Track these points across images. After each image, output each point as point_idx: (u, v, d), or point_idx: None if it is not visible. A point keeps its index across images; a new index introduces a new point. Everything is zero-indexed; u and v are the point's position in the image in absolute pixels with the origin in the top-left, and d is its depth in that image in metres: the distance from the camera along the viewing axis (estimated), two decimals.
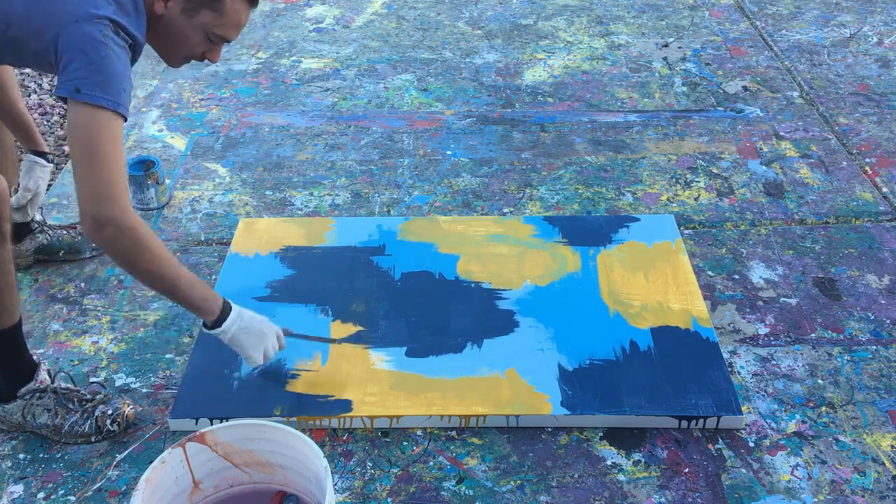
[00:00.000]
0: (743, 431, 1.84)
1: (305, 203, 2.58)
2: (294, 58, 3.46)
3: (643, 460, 1.78)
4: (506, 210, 2.54)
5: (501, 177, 2.70)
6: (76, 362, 2.03)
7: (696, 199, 2.59)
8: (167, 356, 2.04)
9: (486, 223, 2.43)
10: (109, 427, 1.82)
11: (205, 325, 1.75)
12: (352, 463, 1.78)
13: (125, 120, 1.57)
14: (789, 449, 1.80)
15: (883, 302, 2.19)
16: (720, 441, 1.82)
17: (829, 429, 1.85)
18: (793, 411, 1.89)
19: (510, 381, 1.91)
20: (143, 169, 2.49)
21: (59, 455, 1.80)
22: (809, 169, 2.71)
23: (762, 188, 2.63)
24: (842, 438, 1.83)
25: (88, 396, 1.84)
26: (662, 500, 1.70)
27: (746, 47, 3.49)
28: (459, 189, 2.64)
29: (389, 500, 1.70)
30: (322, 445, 1.79)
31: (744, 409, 1.87)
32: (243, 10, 1.67)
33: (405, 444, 1.82)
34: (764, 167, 2.73)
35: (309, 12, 3.88)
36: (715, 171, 2.72)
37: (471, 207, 2.56)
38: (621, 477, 1.74)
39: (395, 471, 1.76)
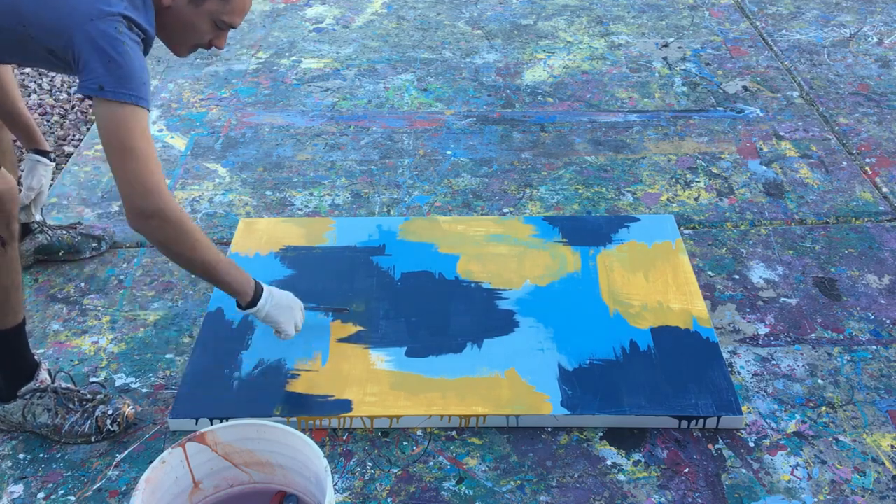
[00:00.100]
0: (743, 431, 1.84)
1: (305, 203, 2.58)
2: (294, 58, 3.46)
3: (643, 460, 1.78)
4: (506, 210, 2.54)
5: (501, 177, 2.70)
6: (76, 362, 2.03)
7: (696, 199, 2.59)
8: (167, 356, 2.04)
9: (486, 223, 2.43)
10: (109, 427, 1.82)
11: (239, 305, 1.81)
12: (352, 463, 1.78)
13: (148, 111, 1.61)
14: (789, 449, 1.80)
15: (883, 302, 2.19)
16: (720, 441, 1.82)
17: (829, 429, 1.85)
18: (793, 411, 1.89)
19: (510, 381, 1.91)
20: None
21: (59, 455, 1.80)
22: (809, 169, 2.72)
23: (762, 188, 2.63)
24: (842, 438, 1.83)
25: (89, 396, 1.85)
26: (662, 500, 1.70)
27: (746, 47, 3.49)
28: (459, 189, 2.64)
29: (389, 500, 1.70)
30: (322, 445, 1.79)
31: (744, 409, 1.87)
32: None
33: (405, 444, 1.82)
34: (764, 167, 2.73)
35: (309, 12, 3.88)
36: (715, 171, 2.72)
37: (471, 207, 2.56)
38: (621, 477, 1.74)
39: (395, 471, 1.76)
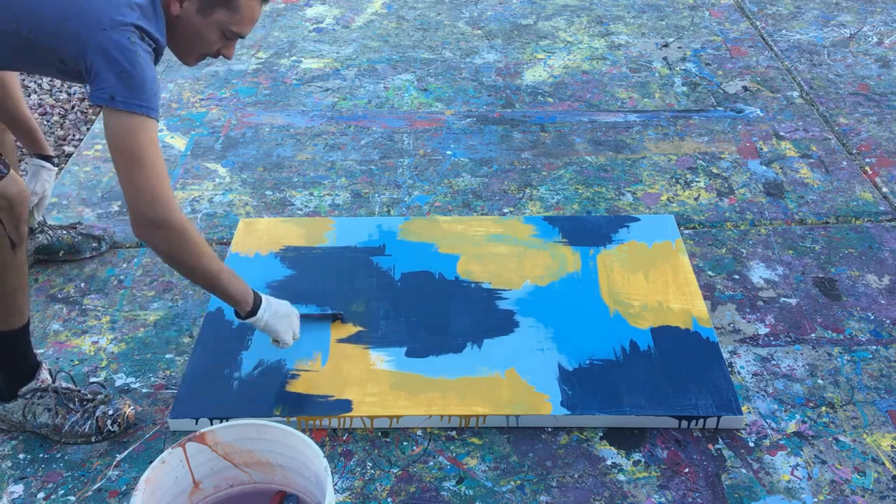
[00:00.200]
0: (743, 431, 1.84)
1: (305, 203, 2.58)
2: (294, 58, 3.46)
3: (643, 460, 1.78)
4: (506, 210, 2.54)
5: (501, 177, 2.70)
6: (76, 362, 2.03)
7: (696, 199, 2.59)
8: (167, 356, 2.04)
9: (486, 223, 2.43)
10: (110, 427, 1.82)
11: (238, 314, 1.81)
12: (352, 463, 1.78)
13: (157, 122, 1.62)
14: (789, 449, 1.80)
15: (883, 302, 2.19)
16: (720, 441, 1.82)
17: (829, 429, 1.85)
18: (793, 411, 1.89)
19: (510, 381, 1.91)
20: None
21: (59, 455, 1.80)
22: (809, 169, 2.72)
23: (762, 188, 2.63)
24: (842, 438, 1.83)
25: (89, 396, 1.85)
26: (662, 500, 1.70)
27: (746, 47, 3.49)
28: (459, 189, 2.64)
29: (389, 500, 1.70)
30: (322, 445, 1.79)
31: (744, 409, 1.87)
32: (256, 6, 1.71)
33: (405, 444, 1.82)
34: (764, 167, 2.73)
35: (309, 12, 3.88)
36: (715, 171, 2.72)
37: (471, 207, 2.56)
38: (621, 477, 1.74)
39: (395, 471, 1.76)
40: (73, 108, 3.30)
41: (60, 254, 2.32)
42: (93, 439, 1.82)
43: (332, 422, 1.84)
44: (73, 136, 3.11)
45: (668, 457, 1.78)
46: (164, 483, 1.47)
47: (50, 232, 2.31)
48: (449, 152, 2.83)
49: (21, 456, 1.80)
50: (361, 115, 3.06)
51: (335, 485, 1.73)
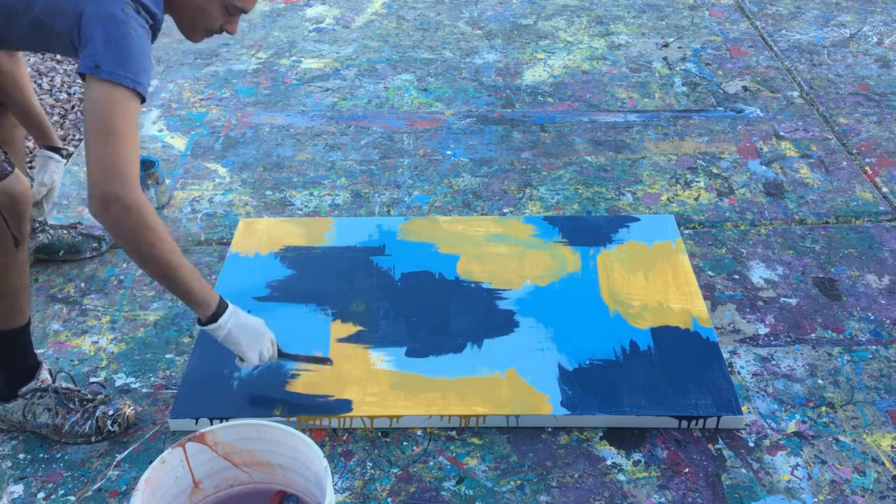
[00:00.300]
0: (743, 431, 1.84)
1: (305, 203, 2.58)
2: (294, 58, 3.46)
3: (643, 460, 1.78)
4: (506, 210, 2.54)
5: (501, 177, 2.70)
6: (76, 362, 2.03)
7: (696, 199, 2.59)
8: (167, 356, 2.04)
9: (486, 223, 2.43)
10: (110, 428, 1.82)
11: (199, 320, 1.72)
12: (352, 463, 1.78)
13: (143, 101, 1.57)
14: (789, 449, 1.80)
15: (883, 302, 2.19)
16: (720, 441, 1.82)
17: (829, 429, 1.85)
18: (793, 411, 1.89)
19: (510, 381, 1.91)
20: (144, 169, 2.49)
21: (59, 455, 1.80)
22: (809, 169, 2.72)
23: (762, 188, 2.63)
24: (842, 438, 1.83)
25: (89, 396, 1.84)
26: (662, 500, 1.70)
27: (746, 47, 3.49)
28: (459, 189, 2.64)
29: (389, 500, 1.70)
30: (322, 445, 1.79)
31: (744, 409, 1.87)
32: None
33: (405, 444, 1.82)
34: (764, 167, 2.73)
35: (309, 12, 3.88)
36: (715, 171, 2.72)
37: (471, 207, 2.56)
38: (621, 477, 1.74)
39: (395, 471, 1.76)
40: (73, 108, 3.30)
41: (60, 254, 2.32)
42: (93, 439, 1.81)
43: (332, 422, 1.84)
44: (73, 136, 3.11)
45: (668, 457, 1.78)
46: (164, 483, 1.47)
47: (50, 231, 2.31)
48: (449, 152, 2.83)
49: (21, 456, 1.80)
50: (361, 115, 3.06)
51: (335, 485, 1.73)
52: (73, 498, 1.71)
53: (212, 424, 1.72)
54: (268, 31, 3.70)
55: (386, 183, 2.67)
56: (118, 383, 1.97)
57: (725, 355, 2.02)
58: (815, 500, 1.70)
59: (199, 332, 2.05)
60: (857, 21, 3.70)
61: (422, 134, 2.94)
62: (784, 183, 2.65)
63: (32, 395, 1.81)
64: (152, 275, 1.65)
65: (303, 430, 1.76)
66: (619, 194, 2.61)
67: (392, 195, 2.62)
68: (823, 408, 1.90)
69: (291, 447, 1.51)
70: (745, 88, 3.18)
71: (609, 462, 1.77)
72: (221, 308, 1.70)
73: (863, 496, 1.70)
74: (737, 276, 2.27)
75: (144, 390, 1.95)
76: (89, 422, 1.81)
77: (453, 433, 1.84)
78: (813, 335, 2.09)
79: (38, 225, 2.29)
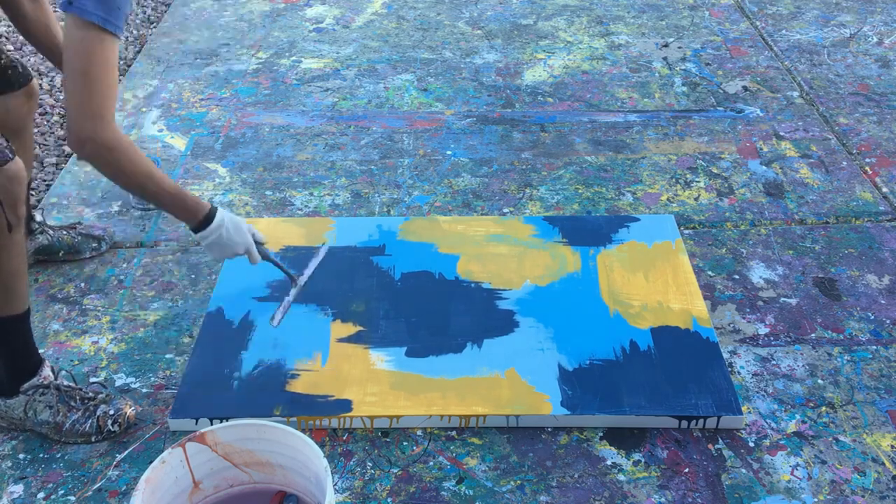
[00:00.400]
0: (743, 431, 1.84)
1: (305, 203, 2.58)
2: (294, 58, 3.46)
3: (643, 460, 1.78)
4: (506, 210, 2.54)
5: (501, 177, 2.70)
6: (76, 362, 2.03)
7: (696, 199, 2.59)
8: (167, 356, 2.04)
9: (486, 223, 2.43)
10: (110, 427, 1.82)
11: (195, 230, 1.80)
12: (352, 463, 1.78)
13: (119, 39, 1.59)
14: (789, 449, 1.80)
15: (883, 302, 2.19)
16: (720, 441, 1.82)
17: (829, 429, 1.85)
18: (793, 411, 1.89)
19: (510, 381, 1.91)
20: None
21: (59, 455, 1.80)
22: (809, 169, 2.72)
23: (762, 188, 2.63)
24: (842, 438, 1.83)
25: (91, 395, 1.85)
26: (662, 500, 1.70)
27: (746, 47, 3.49)
28: (459, 189, 2.64)
29: (389, 500, 1.70)
30: (322, 445, 1.79)
31: (744, 409, 1.87)
32: None
33: (405, 444, 1.82)
34: (764, 167, 2.73)
35: (309, 12, 3.88)
36: (715, 171, 2.72)
37: (471, 207, 2.56)
38: (621, 477, 1.74)
39: (395, 471, 1.76)
40: None
41: (60, 254, 2.32)
42: (93, 439, 1.81)
43: (332, 422, 1.84)
44: None
45: (668, 457, 1.78)
46: (164, 483, 1.47)
47: (50, 232, 2.31)
48: (449, 152, 2.83)
49: (21, 456, 1.80)
50: (361, 115, 3.06)
51: (335, 485, 1.73)
52: (73, 498, 1.71)
53: (212, 424, 1.72)
54: (268, 31, 3.70)
55: (386, 183, 2.67)
56: (118, 383, 1.97)
57: (725, 355, 2.02)
58: (815, 500, 1.70)
59: (200, 332, 2.05)
60: (857, 21, 3.70)
61: (422, 134, 2.94)
62: (784, 183, 2.65)
63: (34, 392, 1.80)
64: (138, 196, 1.76)
65: (303, 430, 1.76)
66: (619, 194, 2.61)
67: (392, 195, 2.62)
68: (823, 408, 1.90)
69: (291, 447, 1.51)
70: (745, 88, 3.18)
71: (609, 462, 1.77)
72: (213, 211, 1.80)
73: (863, 496, 1.70)
74: (737, 276, 2.27)
75: (144, 390, 1.95)
76: (90, 420, 1.81)
77: (453, 433, 1.84)
78: (813, 335, 2.09)
79: (37, 226, 2.29)
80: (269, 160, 2.79)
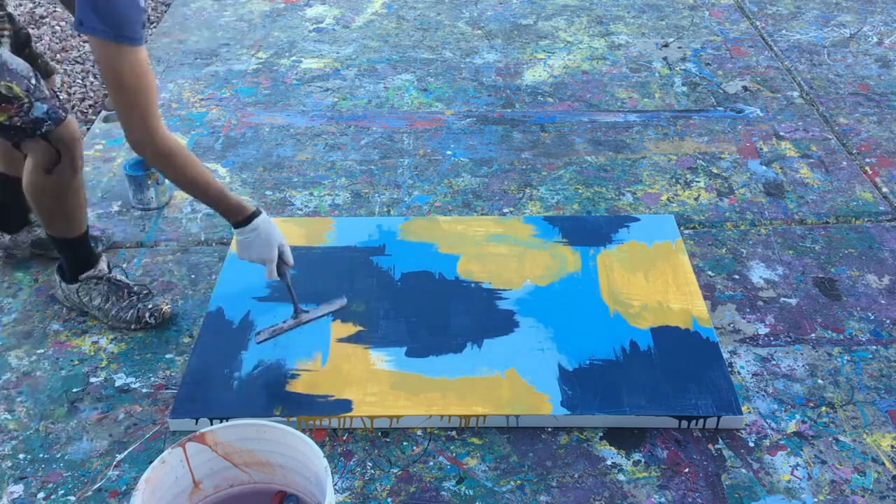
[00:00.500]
0: (743, 431, 1.84)
1: (305, 203, 2.58)
2: (294, 58, 3.46)
3: (643, 460, 1.78)
4: (506, 210, 2.54)
5: (501, 177, 2.70)
6: (76, 362, 2.03)
7: (696, 199, 2.59)
8: (167, 356, 2.04)
9: (486, 223, 2.43)
10: (147, 319, 2.09)
11: (234, 225, 1.94)
12: (352, 463, 1.78)
13: (139, 45, 1.65)
14: (789, 449, 1.80)
15: (883, 302, 2.19)
16: (720, 441, 1.82)
17: (829, 429, 1.85)
18: (793, 411, 1.89)
19: (510, 381, 1.91)
20: (143, 169, 2.49)
21: (59, 455, 1.80)
22: (809, 169, 2.72)
23: (762, 188, 2.63)
24: (842, 438, 1.83)
25: (136, 290, 2.12)
26: (662, 500, 1.70)
27: (746, 47, 3.49)
28: (459, 189, 2.64)
29: (389, 500, 1.70)
30: (322, 445, 1.79)
31: (744, 409, 1.87)
32: None
33: (405, 444, 1.82)
34: (764, 167, 2.73)
35: (309, 12, 3.88)
36: (715, 171, 2.72)
37: (471, 207, 2.56)
38: (621, 477, 1.74)
39: (395, 471, 1.76)
40: (73, 108, 3.30)
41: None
42: (133, 326, 2.09)
43: (332, 422, 1.84)
44: None
45: (668, 457, 1.78)
46: (164, 483, 1.47)
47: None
48: (449, 152, 2.83)
49: (21, 456, 1.80)
50: (361, 115, 3.06)
51: (335, 485, 1.73)
52: (73, 498, 1.71)
53: (212, 424, 1.72)
54: (268, 31, 3.70)
55: (386, 183, 2.67)
56: (118, 383, 1.97)
57: (725, 355, 2.02)
58: (815, 500, 1.70)
59: (200, 332, 2.05)
60: (857, 21, 3.70)
61: (422, 134, 2.94)
62: (784, 183, 2.65)
63: (89, 281, 2.10)
64: (191, 195, 1.92)
65: (303, 430, 1.76)
66: (619, 194, 2.61)
67: (392, 195, 2.62)
68: (823, 408, 1.90)
69: (291, 447, 1.51)
70: (745, 88, 3.18)
71: (609, 462, 1.77)
72: (253, 215, 1.93)
73: (863, 496, 1.70)
74: (737, 276, 2.27)
75: (144, 390, 1.95)
76: (131, 311, 2.09)
77: (453, 433, 1.84)
78: (813, 335, 2.09)
79: (35, 218, 2.29)
80: (269, 160, 2.79)
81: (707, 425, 1.84)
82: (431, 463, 1.78)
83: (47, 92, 1.78)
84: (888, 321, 2.13)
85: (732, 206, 2.55)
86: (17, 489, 1.73)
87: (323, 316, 2.07)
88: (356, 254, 2.31)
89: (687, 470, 1.76)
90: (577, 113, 3.05)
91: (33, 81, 1.73)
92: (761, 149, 2.82)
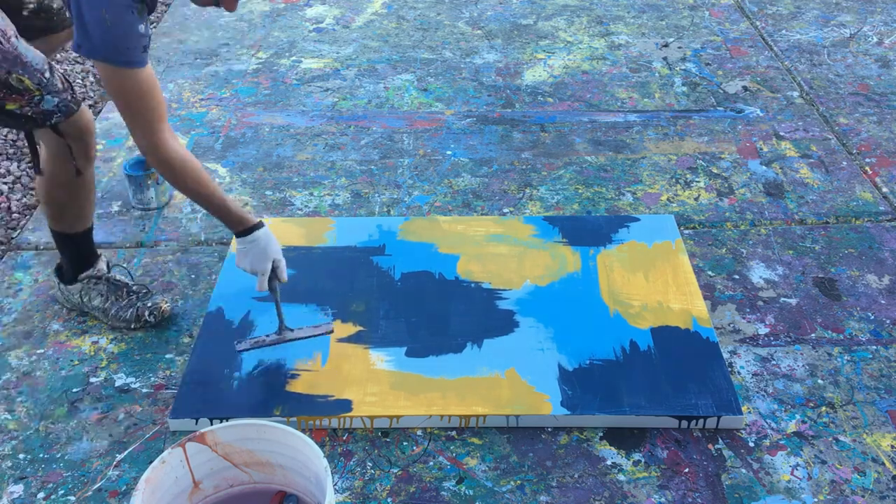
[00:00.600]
0: (743, 431, 1.84)
1: (305, 203, 2.58)
2: (294, 58, 3.46)
3: (643, 460, 1.78)
4: (506, 210, 2.54)
5: (501, 177, 2.70)
6: (76, 362, 2.03)
7: (696, 199, 2.59)
8: (167, 356, 2.04)
9: (486, 223, 2.43)
10: (147, 318, 2.09)
11: (237, 234, 1.95)
12: (352, 463, 1.78)
13: (135, 69, 1.68)
14: (789, 449, 1.80)
15: (883, 302, 2.19)
16: (720, 441, 1.82)
17: (829, 429, 1.85)
18: (793, 411, 1.89)
19: (510, 381, 1.91)
20: (143, 169, 2.49)
21: (59, 455, 1.80)
22: (809, 169, 2.72)
23: (762, 188, 2.63)
24: (842, 438, 1.83)
25: (135, 289, 2.12)
26: (662, 500, 1.70)
27: (746, 47, 3.49)
28: (459, 189, 2.64)
29: (389, 500, 1.70)
30: (322, 445, 1.79)
31: (744, 409, 1.87)
32: None
33: (405, 444, 1.82)
34: (764, 167, 2.73)
35: (309, 12, 3.88)
36: (715, 171, 2.72)
37: (471, 207, 2.56)
38: (621, 477, 1.74)
39: (395, 471, 1.76)
40: None
41: None
42: (132, 326, 2.09)
43: (332, 422, 1.84)
44: None
45: (668, 457, 1.78)
46: (164, 483, 1.47)
47: None
48: (449, 152, 2.83)
49: (21, 456, 1.80)
50: (361, 115, 3.06)
51: (335, 485, 1.73)
52: (73, 498, 1.71)
53: (212, 424, 1.72)
54: (268, 31, 3.70)
55: (386, 183, 2.67)
56: (118, 383, 1.97)
57: (725, 355, 2.02)
58: (815, 500, 1.70)
59: (200, 332, 2.05)
60: (857, 21, 3.70)
61: (422, 134, 2.94)
62: (784, 183, 2.65)
63: (89, 281, 2.11)
64: (195, 203, 1.94)
65: (303, 430, 1.76)
66: (619, 194, 2.61)
67: (392, 195, 2.62)
68: (823, 408, 1.90)
69: (291, 447, 1.51)
70: (745, 88, 3.18)
71: (609, 462, 1.77)
72: (254, 227, 1.94)
73: (863, 496, 1.70)
74: (737, 276, 2.27)
75: (144, 390, 1.95)
76: (131, 310, 2.09)
77: (453, 433, 1.84)
78: (813, 335, 2.09)
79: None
80: (269, 160, 2.79)
81: (707, 425, 1.84)
82: (431, 463, 1.78)
83: (60, 85, 1.78)
84: (888, 321, 2.13)
85: (732, 206, 2.55)
86: (17, 489, 1.73)
87: (306, 338, 2.02)
88: (356, 254, 2.31)
89: (687, 470, 1.76)
90: (577, 113, 3.05)
91: (47, 75, 1.74)
92: (761, 149, 2.82)
